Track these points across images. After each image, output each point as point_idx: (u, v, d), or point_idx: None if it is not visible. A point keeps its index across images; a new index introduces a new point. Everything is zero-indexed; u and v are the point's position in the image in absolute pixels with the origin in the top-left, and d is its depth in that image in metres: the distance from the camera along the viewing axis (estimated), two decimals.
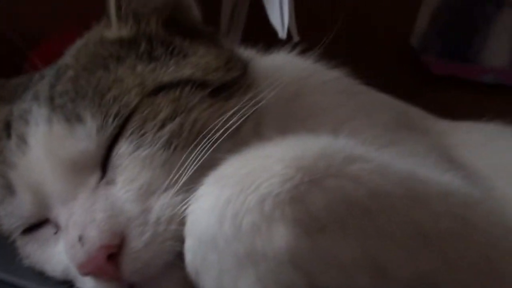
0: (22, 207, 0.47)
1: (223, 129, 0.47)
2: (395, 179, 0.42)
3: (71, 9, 0.78)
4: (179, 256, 0.42)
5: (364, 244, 0.40)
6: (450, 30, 1.10)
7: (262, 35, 0.72)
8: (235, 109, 0.48)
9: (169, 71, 0.49)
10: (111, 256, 0.42)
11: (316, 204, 0.38)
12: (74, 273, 0.44)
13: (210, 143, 0.46)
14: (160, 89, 0.48)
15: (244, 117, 0.48)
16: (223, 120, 0.47)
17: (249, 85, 0.52)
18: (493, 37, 1.07)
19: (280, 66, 0.60)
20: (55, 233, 0.46)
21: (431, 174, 0.49)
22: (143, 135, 0.47)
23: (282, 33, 0.68)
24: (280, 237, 0.37)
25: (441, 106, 1.08)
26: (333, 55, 1.11)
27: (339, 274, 0.39)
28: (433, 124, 0.72)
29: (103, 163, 0.46)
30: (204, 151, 0.45)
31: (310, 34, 0.77)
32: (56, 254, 0.46)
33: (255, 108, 0.50)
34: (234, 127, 0.47)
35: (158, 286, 0.43)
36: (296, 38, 0.69)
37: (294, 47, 0.68)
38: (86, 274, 0.42)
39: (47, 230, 0.47)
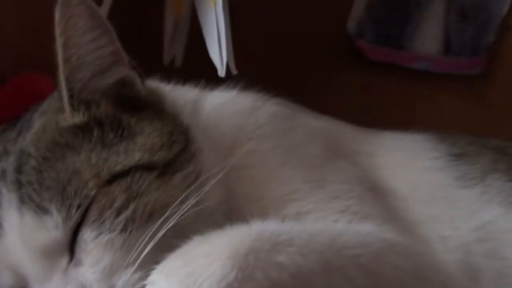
0: (3, 281, 0.54)
1: (171, 208, 0.53)
2: (314, 257, 0.52)
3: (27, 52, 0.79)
4: None
5: None
6: (384, 17, 1.15)
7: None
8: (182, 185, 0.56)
9: (120, 160, 0.55)
10: None
11: None
12: None
13: (162, 224, 0.53)
14: (114, 178, 0.54)
15: (188, 191, 0.56)
16: (172, 199, 0.55)
17: (192, 154, 0.59)
18: (425, 25, 1.12)
19: (216, 115, 0.68)
20: None
21: (349, 232, 0.60)
22: (102, 222, 0.54)
23: (221, 71, 0.73)
24: None
25: (376, 92, 1.15)
26: (271, 43, 1.13)
27: None
28: (361, 144, 0.79)
29: (71, 247, 0.53)
30: (157, 231, 0.53)
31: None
32: None
33: (198, 182, 0.57)
34: (181, 205, 0.54)
35: None
36: (234, 71, 0.75)
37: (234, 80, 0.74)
38: None
39: None
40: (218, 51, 0.74)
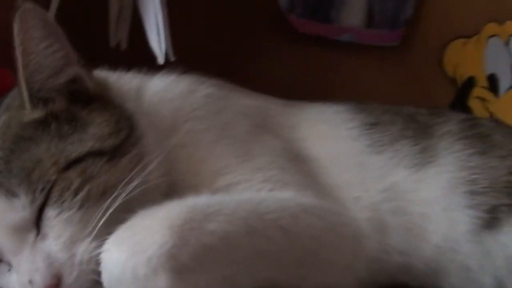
0: None
1: (119, 187, 0.63)
2: (239, 223, 0.63)
3: None
4: (98, 282, 0.61)
5: (221, 272, 0.62)
6: None
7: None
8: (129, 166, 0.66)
9: (75, 148, 0.65)
10: None
11: (184, 257, 0.58)
12: None
13: (113, 201, 0.63)
14: (70, 164, 0.64)
15: (134, 172, 0.65)
16: (120, 179, 0.64)
17: (136, 138, 0.69)
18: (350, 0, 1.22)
19: (156, 101, 0.77)
20: (9, 270, 0.63)
21: (270, 199, 0.71)
22: (63, 202, 0.63)
23: (160, 58, 0.83)
24: (163, 281, 0.58)
25: (307, 64, 1.26)
26: (208, 24, 1.21)
27: None
28: (287, 115, 0.89)
29: (37, 224, 0.63)
30: (108, 207, 0.63)
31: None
32: (11, 282, 0.64)
33: (142, 163, 0.66)
34: (128, 185, 0.63)
35: None
36: (172, 58, 0.84)
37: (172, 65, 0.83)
38: None
39: (3, 267, 0.64)
40: (158, 40, 0.82)
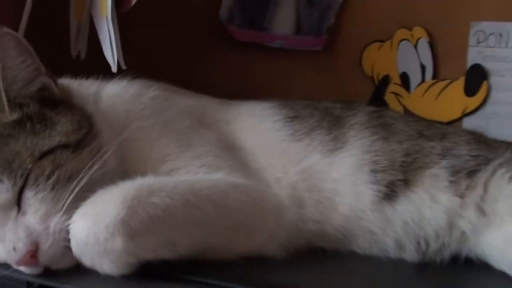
0: None
1: (82, 172, 0.76)
2: (177, 197, 0.76)
3: None
4: (69, 248, 0.73)
5: (165, 235, 0.74)
6: (250, 3, 1.32)
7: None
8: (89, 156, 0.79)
9: (46, 142, 0.77)
10: (32, 255, 0.72)
11: (135, 223, 0.71)
12: (11, 262, 0.74)
13: (77, 183, 0.75)
14: (43, 155, 0.76)
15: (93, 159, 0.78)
16: (83, 166, 0.77)
17: (95, 134, 0.82)
18: (281, 10, 1.31)
19: (110, 104, 0.90)
20: None
21: (204, 179, 0.84)
22: (38, 185, 0.75)
23: (114, 67, 0.94)
24: (118, 242, 0.70)
25: (245, 68, 1.34)
26: (157, 36, 1.30)
27: (152, 254, 0.74)
28: (222, 113, 1.01)
29: (18, 203, 0.75)
30: (74, 188, 0.75)
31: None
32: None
33: (100, 153, 0.79)
34: (89, 170, 0.76)
35: (59, 264, 0.75)
36: (123, 66, 0.95)
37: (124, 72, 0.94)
38: (19, 266, 0.73)
39: None
40: (111, 52, 0.92)
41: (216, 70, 1.35)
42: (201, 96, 1.04)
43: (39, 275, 0.74)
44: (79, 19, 1.08)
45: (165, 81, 1.00)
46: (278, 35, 1.32)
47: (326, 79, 1.33)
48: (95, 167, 0.77)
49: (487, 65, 1.26)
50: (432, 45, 1.28)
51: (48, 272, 0.75)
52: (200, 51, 1.35)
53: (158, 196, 0.74)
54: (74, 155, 0.78)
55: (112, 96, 0.92)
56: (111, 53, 0.92)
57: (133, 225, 0.71)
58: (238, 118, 1.00)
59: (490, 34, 1.24)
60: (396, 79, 1.33)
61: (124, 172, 0.82)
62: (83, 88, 0.91)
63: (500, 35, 1.24)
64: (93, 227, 0.70)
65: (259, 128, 0.99)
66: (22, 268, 0.74)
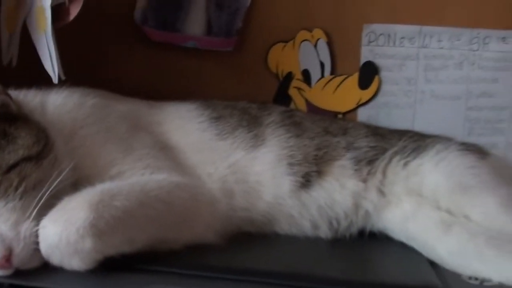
0: None
1: (50, 180, 0.80)
2: (133, 199, 0.82)
3: None
4: (39, 250, 0.78)
5: (125, 233, 0.80)
6: (163, 6, 1.33)
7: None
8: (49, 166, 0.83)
9: (11, 157, 0.80)
10: (7, 259, 0.76)
11: (101, 225, 0.77)
12: None
13: (43, 193, 0.80)
14: (9, 168, 0.80)
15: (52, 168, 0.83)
16: (45, 176, 0.81)
17: (51, 145, 0.85)
18: (193, 12, 1.33)
19: (57, 114, 0.94)
20: None
21: (151, 179, 0.90)
22: (7, 196, 0.79)
23: (55, 79, 0.97)
24: (88, 243, 0.76)
25: (161, 67, 1.36)
26: (83, 45, 1.28)
27: (115, 250, 0.79)
28: (153, 115, 1.07)
29: None
30: (41, 198, 0.79)
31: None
32: None
33: (57, 163, 0.84)
34: (53, 181, 0.81)
35: (29, 265, 0.78)
36: (62, 77, 0.99)
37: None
38: None
39: None
40: (51, 64, 0.95)
41: (133, 70, 1.37)
42: (132, 100, 1.09)
43: (8, 276, 0.77)
44: (11, 30, 1.09)
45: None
46: (190, 36, 1.35)
47: (236, 77, 1.39)
48: (59, 178, 0.81)
49: (378, 61, 1.37)
50: (329, 44, 1.37)
51: (16, 273, 0.78)
52: (117, 51, 1.36)
53: (118, 200, 0.80)
54: (36, 166, 0.82)
55: (58, 106, 0.95)
56: (51, 66, 0.96)
57: (100, 227, 0.77)
58: (168, 119, 1.07)
59: (380, 35, 1.36)
60: (298, 75, 1.40)
61: (80, 179, 0.86)
62: (28, 99, 0.93)
63: (389, 35, 1.36)
64: (65, 231, 0.75)
65: (188, 129, 1.06)
66: None
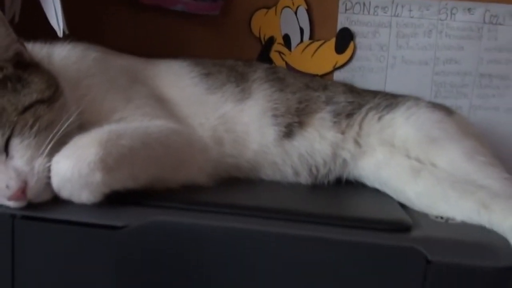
0: None
1: (61, 122, 0.85)
2: (137, 139, 0.88)
3: None
4: (49, 184, 0.83)
5: (130, 170, 0.86)
6: None
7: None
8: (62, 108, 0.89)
9: (26, 99, 0.85)
10: (23, 191, 0.81)
11: (110, 161, 0.82)
12: (2, 199, 0.82)
13: (56, 132, 0.85)
14: (25, 109, 0.84)
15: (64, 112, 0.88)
16: (56, 118, 0.86)
17: (61, 91, 0.90)
18: None
19: (63, 64, 0.98)
20: None
21: (151, 123, 0.95)
22: (23, 134, 0.83)
23: (60, 33, 1.03)
24: (98, 176, 0.81)
25: (150, 29, 1.41)
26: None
27: (121, 184, 0.85)
28: (149, 70, 1.12)
29: (6, 150, 0.83)
30: (54, 136, 0.84)
31: None
32: None
33: (67, 106, 0.89)
34: (64, 122, 0.85)
35: (41, 198, 0.84)
36: (66, 31, 1.05)
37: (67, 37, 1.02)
38: (11, 200, 0.82)
39: None
40: (56, 19, 1.00)
41: (125, 31, 1.41)
42: (128, 56, 1.15)
43: (21, 208, 0.83)
44: None
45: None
46: (179, 0, 1.38)
47: (221, 40, 1.44)
48: (68, 120, 0.86)
49: (353, 28, 1.44)
50: (309, 12, 1.43)
51: (28, 205, 0.83)
52: (109, 12, 1.41)
53: (124, 139, 0.85)
54: (48, 108, 0.87)
55: (63, 58, 1.00)
56: (56, 21, 1.01)
57: (108, 162, 0.82)
58: (162, 74, 1.13)
59: (356, 3, 1.43)
60: (279, 39, 1.45)
61: (83, 121, 0.91)
62: (36, 51, 0.97)
63: (364, 4, 1.43)
64: (77, 165, 0.80)
65: (180, 84, 1.12)
66: (11, 203, 0.82)
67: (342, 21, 1.45)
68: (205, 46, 1.43)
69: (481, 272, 0.81)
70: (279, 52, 1.46)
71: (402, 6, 1.44)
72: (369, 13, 1.44)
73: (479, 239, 0.89)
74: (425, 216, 0.99)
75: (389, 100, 1.18)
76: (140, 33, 1.42)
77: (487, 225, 0.93)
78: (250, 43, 1.45)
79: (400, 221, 0.91)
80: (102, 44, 1.11)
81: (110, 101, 0.99)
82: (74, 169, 0.81)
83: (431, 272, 0.81)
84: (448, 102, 1.37)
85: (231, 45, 1.44)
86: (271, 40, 1.46)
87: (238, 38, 1.45)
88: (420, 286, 0.81)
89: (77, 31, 1.06)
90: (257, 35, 1.46)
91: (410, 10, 1.44)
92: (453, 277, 0.81)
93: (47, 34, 1.06)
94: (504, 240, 0.89)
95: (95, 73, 1.01)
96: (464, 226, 0.95)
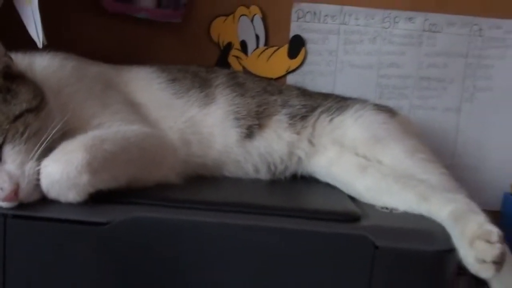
0: None
1: (48, 129, 0.89)
2: (117, 143, 0.93)
3: None
4: (38, 185, 0.88)
5: (112, 171, 0.91)
6: None
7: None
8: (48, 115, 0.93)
9: (16, 108, 0.89)
10: (15, 193, 0.86)
11: (95, 164, 0.87)
12: None
13: (45, 137, 0.89)
14: (16, 118, 0.88)
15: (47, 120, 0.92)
16: (44, 125, 0.90)
17: (47, 100, 0.95)
18: None
19: (44, 74, 1.01)
20: None
21: (128, 128, 0.99)
22: (14, 141, 0.88)
23: (39, 44, 1.07)
24: (84, 178, 0.86)
25: (115, 36, 1.45)
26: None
27: (104, 185, 0.90)
28: (120, 77, 1.18)
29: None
30: (43, 143, 0.89)
31: None
32: None
33: (52, 114, 0.93)
34: (51, 130, 0.90)
35: (30, 198, 0.88)
36: (45, 42, 1.08)
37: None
38: (4, 201, 0.86)
39: None
40: (36, 32, 1.05)
41: (92, 37, 1.44)
42: (100, 63, 1.19)
43: (11, 208, 0.87)
44: None
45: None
46: (142, 8, 1.42)
47: (182, 45, 1.48)
48: (56, 128, 0.90)
49: (305, 35, 1.50)
50: (264, 19, 1.48)
51: (19, 206, 0.88)
52: (77, 20, 1.44)
53: (106, 144, 0.91)
54: (36, 116, 0.91)
55: (44, 68, 1.04)
56: (36, 33, 1.06)
57: (94, 165, 0.87)
58: (132, 80, 1.18)
59: (307, 12, 1.49)
60: (237, 45, 1.50)
61: (67, 128, 0.94)
62: (18, 62, 1.00)
63: (314, 13, 1.49)
64: (66, 168, 0.85)
65: (149, 89, 1.18)
66: (4, 204, 0.86)
67: (294, 29, 1.50)
68: (167, 52, 1.47)
69: (422, 255, 0.90)
70: (237, 57, 1.51)
71: (350, 15, 1.50)
72: (319, 21, 1.49)
73: (419, 226, 0.98)
74: (372, 207, 1.07)
75: (339, 103, 1.26)
76: (107, 40, 1.45)
77: (426, 214, 1.02)
78: (209, 49, 1.49)
79: (350, 212, 0.99)
80: (71, 52, 1.15)
81: (89, 107, 1.03)
82: (63, 172, 0.86)
83: (378, 256, 0.90)
84: (391, 103, 1.45)
85: (192, 50, 1.49)
86: (229, 46, 1.50)
87: (198, 44, 1.49)
88: (369, 269, 0.90)
89: (49, 37, 1.10)
90: (216, 41, 1.50)
91: (357, 19, 1.50)
92: (398, 260, 0.90)
93: (22, 46, 1.09)
94: (441, 227, 0.98)
95: (74, 82, 1.06)
96: (407, 215, 1.03)
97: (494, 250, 0.90)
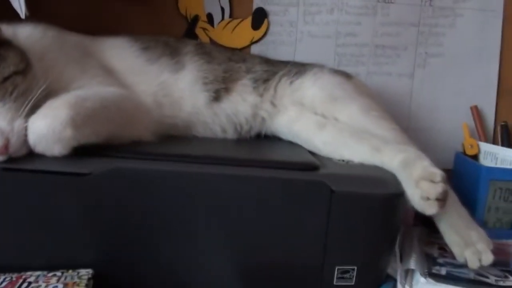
0: None
1: (34, 90, 0.94)
2: (98, 102, 0.97)
3: None
4: (26, 140, 0.91)
5: (94, 127, 0.95)
6: None
7: None
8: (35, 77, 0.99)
9: (5, 71, 0.93)
10: (6, 147, 0.90)
11: (78, 119, 0.91)
12: None
13: (32, 97, 0.94)
14: (5, 79, 0.93)
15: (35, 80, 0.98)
16: (31, 86, 0.95)
17: (32, 64, 0.99)
18: None
19: (28, 42, 1.05)
20: None
21: (107, 90, 1.05)
22: (4, 99, 0.92)
23: (22, 15, 1.13)
24: (69, 132, 0.90)
25: (86, 9, 1.47)
26: None
27: (86, 139, 0.93)
28: (96, 46, 1.24)
29: None
30: (30, 101, 0.93)
31: None
32: None
33: (37, 76, 0.99)
34: (36, 90, 0.94)
35: (20, 152, 0.92)
36: (27, 13, 1.15)
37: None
38: None
39: None
40: (18, 2, 1.11)
41: (62, 10, 1.45)
42: (76, 34, 1.25)
43: (1, 162, 0.91)
44: None
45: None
46: None
47: (152, 18, 1.52)
48: (41, 88, 0.95)
49: (267, 7, 1.55)
50: None
51: (8, 160, 0.92)
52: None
53: (88, 102, 0.95)
54: (23, 78, 0.96)
55: (27, 36, 1.08)
56: (19, 5, 1.13)
57: (77, 121, 0.91)
58: (108, 49, 1.24)
59: None
60: (204, 17, 1.55)
61: (50, 89, 0.97)
62: (3, 31, 1.02)
63: None
64: (52, 124, 0.90)
65: (124, 56, 1.23)
66: None
67: (257, 2, 1.55)
68: (137, 24, 1.50)
69: (374, 198, 0.98)
70: (204, 29, 1.55)
71: None
72: None
73: (372, 174, 1.05)
74: (329, 160, 1.13)
75: (298, 68, 1.33)
76: (78, 12, 1.48)
77: (379, 165, 1.08)
78: (177, 21, 1.54)
79: (310, 163, 1.05)
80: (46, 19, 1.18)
81: (69, 71, 1.07)
82: (49, 127, 0.90)
83: (335, 199, 0.97)
84: (349, 69, 1.49)
85: (161, 22, 1.52)
86: (196, 18, 1.55)
87: (167, 17, 1.52)
88: (326, 211, 0.97)
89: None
90: (184, 14, 1.54)
91: None
92: (353, 203, 0.97)
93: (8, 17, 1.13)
94: (392, 175, 1.05)
95: (55, 49, 1.10)
96: (361, 166, 1.10)
97: (437, 188, 0.97)
